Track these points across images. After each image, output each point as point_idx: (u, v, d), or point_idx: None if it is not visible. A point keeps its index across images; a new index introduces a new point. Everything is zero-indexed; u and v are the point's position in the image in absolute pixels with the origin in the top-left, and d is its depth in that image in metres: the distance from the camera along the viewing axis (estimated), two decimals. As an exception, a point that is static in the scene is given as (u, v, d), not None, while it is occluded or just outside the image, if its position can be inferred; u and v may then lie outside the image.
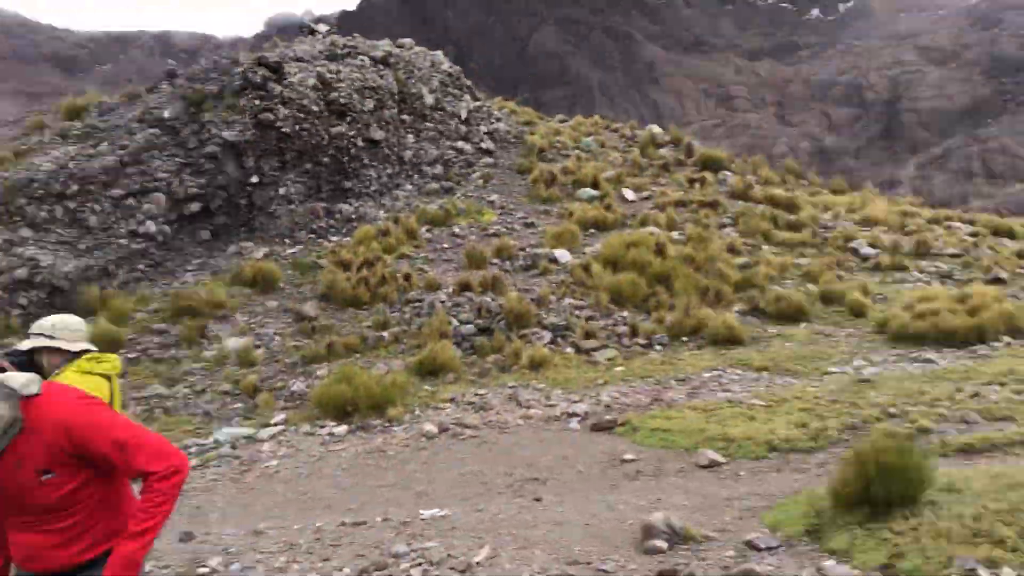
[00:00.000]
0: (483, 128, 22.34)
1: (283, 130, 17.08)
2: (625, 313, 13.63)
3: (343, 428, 9.61)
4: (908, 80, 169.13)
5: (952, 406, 8.22)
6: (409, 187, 19.12)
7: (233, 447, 9.18)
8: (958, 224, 19.83)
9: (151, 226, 15.44)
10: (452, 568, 5.41)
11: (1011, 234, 19.71)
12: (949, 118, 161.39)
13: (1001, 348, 11.02)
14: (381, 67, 20.09)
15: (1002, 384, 8.88)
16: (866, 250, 16.71)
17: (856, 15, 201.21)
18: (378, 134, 18.86)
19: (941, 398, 8.50)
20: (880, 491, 5.53)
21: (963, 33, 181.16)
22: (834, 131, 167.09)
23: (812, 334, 12.65)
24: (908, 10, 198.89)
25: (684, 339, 12.72)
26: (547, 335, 12.62)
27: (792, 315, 13.34)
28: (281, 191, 16.94)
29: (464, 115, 22.03)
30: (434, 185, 19.36)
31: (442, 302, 13.37)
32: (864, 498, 5.57)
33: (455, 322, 12.77)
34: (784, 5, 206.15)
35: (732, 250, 16.14)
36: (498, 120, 23.42)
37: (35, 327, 4.05)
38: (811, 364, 10.96)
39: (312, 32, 22.09)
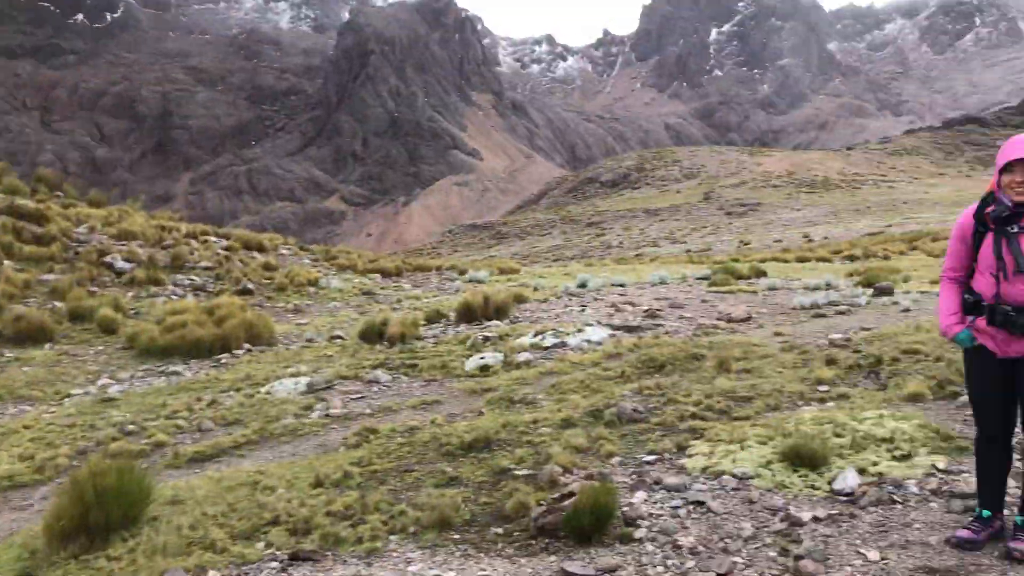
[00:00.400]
0: None
1: None
2: None
3: None
4: (179, 98, 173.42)
5: (190, 416, 8.37)
6: None
7: None
8: (214, 238, 20.78)
9: None
10: None
11: (261, 247, 21.44)
12: (218, 138, 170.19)
13: (242, 355, 11.73)
14: None
15: (238, 390, 9.39)
16: (121, 264, 16.33)
17: (124, 26, 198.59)
18: None
19: (180, 409, 8.60)
20: (99, 517, 5.23)
21: (228, 59, 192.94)
22: (106, 142, 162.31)
23: (57, 355, 11.76)
24: (176, 29, 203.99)
25: None
26: None
27: (34, 336, 12.22)
28: None
29: None
30: None
31: None
32: (83, 527, 5.21)
33: None
34: (45, 4, 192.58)
35: (-37, 266, 14.17)
36: None
37: None
38: (51, 388, 10.14)
39: None
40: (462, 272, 22.04)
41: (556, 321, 12.43)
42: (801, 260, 31.23)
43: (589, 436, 6.42)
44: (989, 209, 4.03)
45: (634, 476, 5.52)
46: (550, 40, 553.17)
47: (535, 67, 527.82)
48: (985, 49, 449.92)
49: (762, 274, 20.39)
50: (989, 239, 4.04)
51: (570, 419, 6.92)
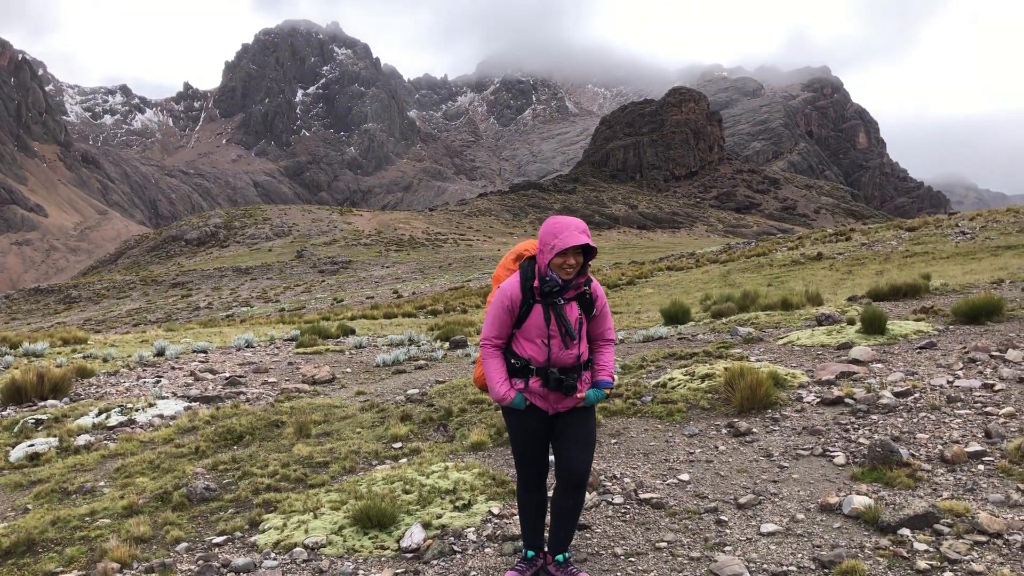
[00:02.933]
0: None
1: None
2: None
3: None
4: None
5: None
6: None
7: None
8: None
9: None
10: None
11: None
12: None
13: None
14: None
15: None
16: None
17: None
18: None
19: None
20: None
21: None
22: None
23: None
24: None
25: None
26: None
27: None
28: None
29: None
30: None
31: None
32: None
33: None
34: None
35: None
36: None
37: None
38: None
39: None
40: (14, 345, 19.36)
41: (126, 396, 11.42)
42: (389, 316, 32.39)
43: (154, 523, 5.93)
44: (536, 283, 4.37)
45: (201, 562, 5.19)
46: (125, 91, 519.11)
47: (109, 118, 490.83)
48: (541, 123, 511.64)
49: (350, 332, 20.74)
50: (537, 309, 4.37)
51: (133, 506, 6.34)
